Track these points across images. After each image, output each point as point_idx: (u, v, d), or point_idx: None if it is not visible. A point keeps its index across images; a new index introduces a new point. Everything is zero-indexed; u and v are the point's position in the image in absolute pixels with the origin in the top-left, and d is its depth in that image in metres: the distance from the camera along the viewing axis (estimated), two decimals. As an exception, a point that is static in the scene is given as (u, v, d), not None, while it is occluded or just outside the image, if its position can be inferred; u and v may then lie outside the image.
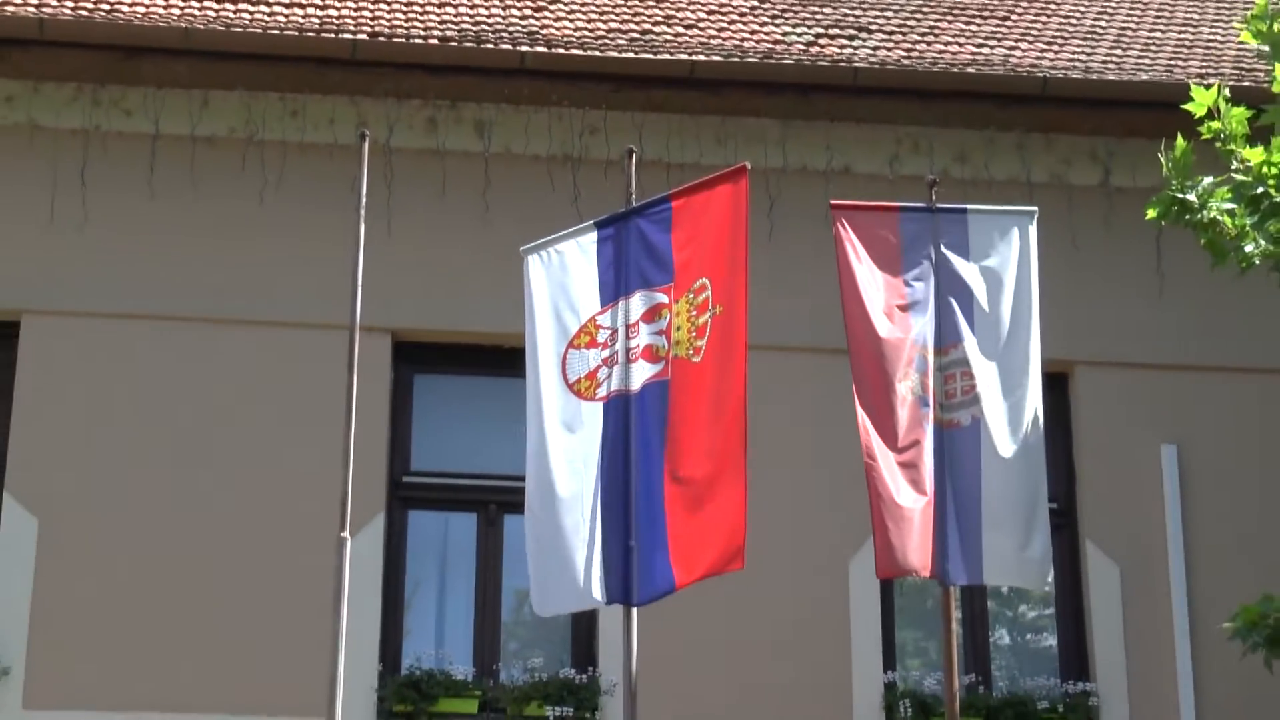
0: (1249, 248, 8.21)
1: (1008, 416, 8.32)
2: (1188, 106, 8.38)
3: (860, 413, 8.06)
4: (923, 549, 7.92)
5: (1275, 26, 8.34)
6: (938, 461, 8.09)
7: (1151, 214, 8.47)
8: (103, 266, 10.68)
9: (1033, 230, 8.55)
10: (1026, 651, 11.00)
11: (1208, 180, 8.27)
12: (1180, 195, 8.28)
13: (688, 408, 7.79)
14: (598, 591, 7.76)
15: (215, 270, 10.72)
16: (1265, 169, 8.22)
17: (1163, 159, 8.35)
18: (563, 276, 8.10)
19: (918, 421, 8.12)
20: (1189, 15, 13.27)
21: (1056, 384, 10.76)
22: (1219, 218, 8.23)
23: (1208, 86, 8.37)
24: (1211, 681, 10.46)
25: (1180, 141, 8.32)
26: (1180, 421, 11.00)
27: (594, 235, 8.15)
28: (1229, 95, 8.38)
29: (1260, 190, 8.21)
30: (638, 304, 7.99)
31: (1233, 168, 8.31)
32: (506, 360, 10.61)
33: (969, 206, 8.75)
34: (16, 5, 10.95)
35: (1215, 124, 8.35)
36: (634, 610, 7.87)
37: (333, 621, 8.04)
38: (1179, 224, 8.41)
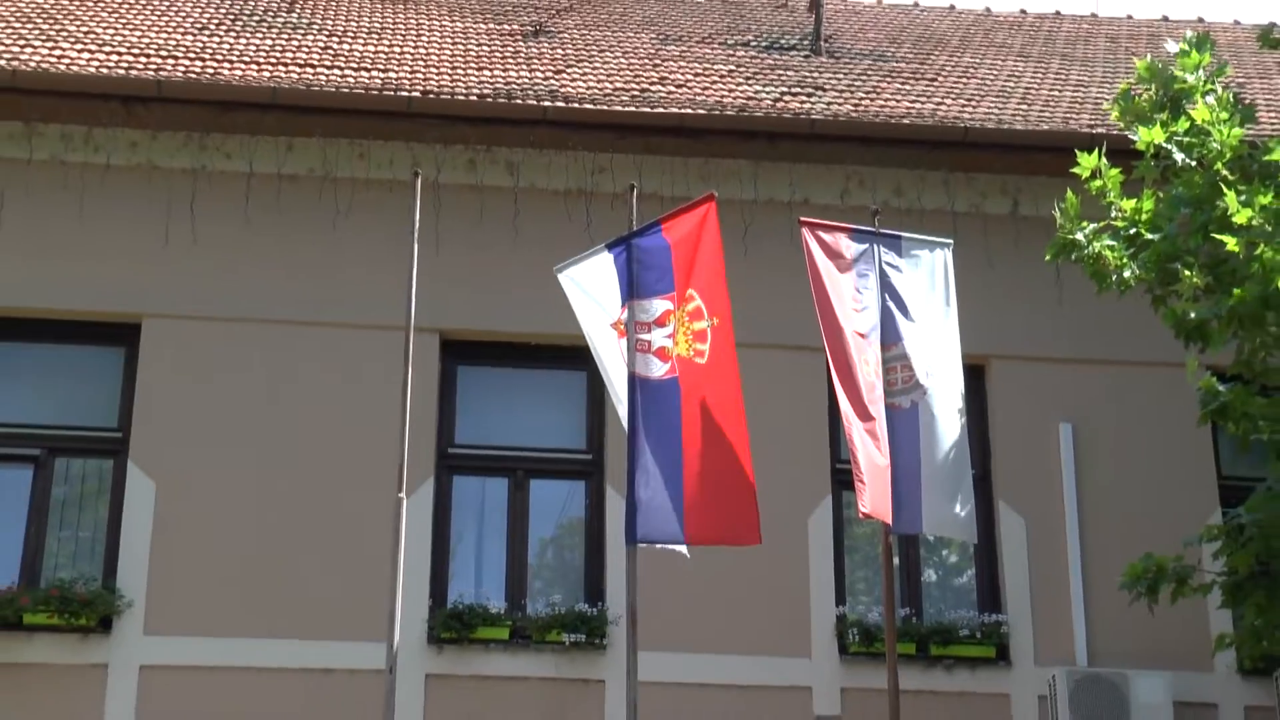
0: (1126, 274, 8.30)
1: (938, 402, 8.36)
2: (1075, 170, 8.52)
3: (837, 386, 8.07)
4: (885, 502, 7.95)
5: (1134, 104, 8.45)
6: (886, 434, 8.11)
7: (1049, 256, 8.61)
8: (207, 279, 10.68)
9: (950, 255, 8.63)
10: (950, 589, 10.98)
11: (1092, 227, 8.36)
12: (1071, 237, 8.40)
13: (697, 400, 7.96)
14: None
15: (297, 282, 10.73)
16: (1138, 214, 8.34)
17: (1057, 212, 8.44)
18: (592, 286, 8.20)
19: (875, 400, 8.15)
20: (1081, 78, 13.29)
21: (975, 374, 10.75)
22: (1103, 253, 8.32)
23: (1090, 151, 8.49)
24: (1098, 611, 10.47)
25: (1070, 196, 8.40)
26: (1075, 404, 11.00)
27: (608, 255, 8.22)
28: (1107, 161, 8.54)
29: (1134, 231, 8.31)
30: (645, 309, 8.08)
31: (1112, 214, 8.43)
32: (533, 354, 10.67)
33: (903, 234, 8.81)
34: (139, 69, 11.00)
35: (1098, 183, 8.47)
36: (637, 558, 7.88)
37: (391, 565, 8.05)
38: (1070, 260, 8.50)
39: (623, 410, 8.03)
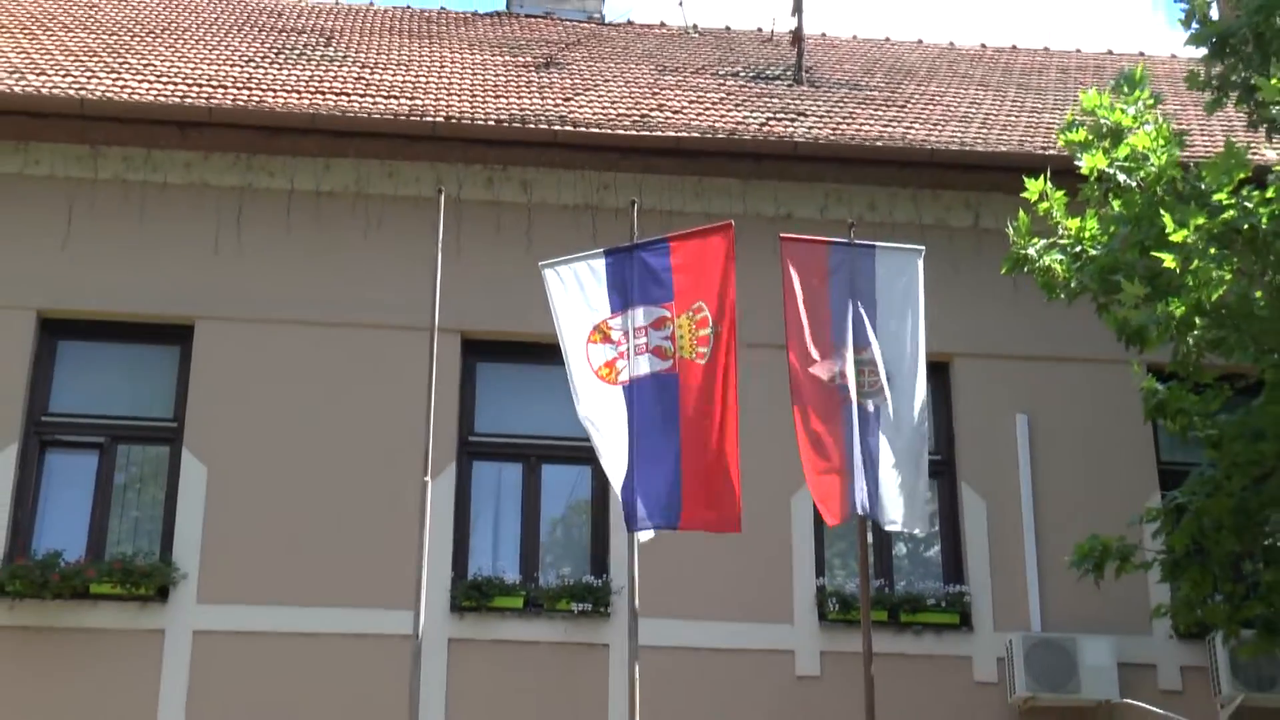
0: (1073, 284, 8.34)
1: (901, 403, 8.26)
2: (1025, 194, 8.57)
3: (794, 404, 8.02)
4: (849, 496, 7.89)
5: (1079, 134, 8.47)
6: (858, 433, 8.02)
7: (1004, 270, 8.64)
8: (253, 284, 10.69)
9: (920, 262, 8.55)
10: (919, 562, 10.95)
11: (1043, 243, 8.36)
12: (1023, 252, 8.45)
13: (696, 396, 7.82)
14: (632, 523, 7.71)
15: (334, 287, 10.73)
16: (1082, 232, 8.38)
17: (1010, 230, 8.47)
18: (578, 287, 8.03)
19: (837, 404, 8.05)
20: (1035, 105, 13.28)
21: (940, 370, 10.74)
22: (1052, 266, 8.36)
23: (1043, 172, 8.53)
24: (1050, 583, 10.41)
25: (1023, 216, 8.43)
26: (1030, 397, 10.98)
27: (603, 260, 8.09)
28: (1052, 185, 8.58)
29: (1079, 248, 8.34)
30: (643, 314, 7.96)
31: (1059, 233, 8.45)
32: (545, 352, 10.55)
33: (877, 244, 8.74)
34: (193, 98, 11.00)
35: (1045, 204, 8.51)
36: (636, 535, 7.84)
37: (418, 541, 8.05)
38: (1023, 273, 8.53)
39: (579, 404, 7.80)
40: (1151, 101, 8.61)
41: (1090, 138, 8.47)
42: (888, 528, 8.17)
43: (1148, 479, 10.76)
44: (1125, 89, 8.55)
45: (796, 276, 8.25)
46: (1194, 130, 12.02)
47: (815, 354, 8.09)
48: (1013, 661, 10.08)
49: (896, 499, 8.06)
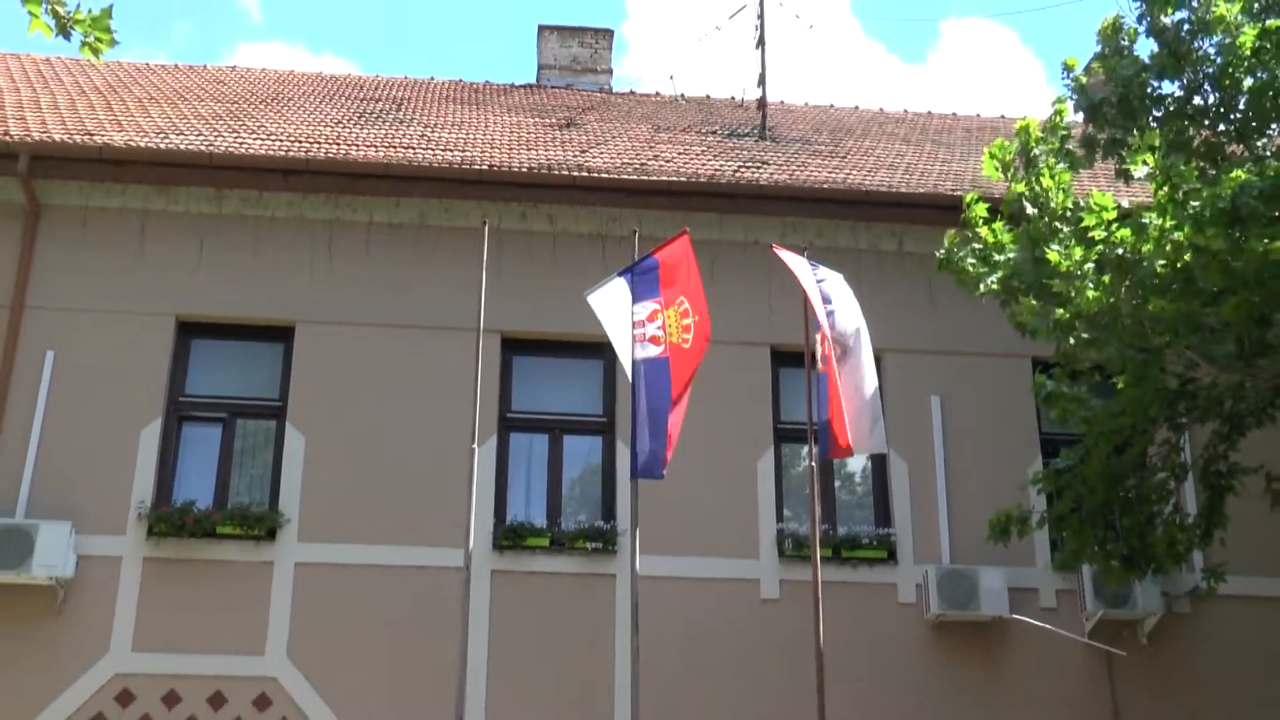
0: (981, 287, 8.34)
1: (858, 371, 8.34)
2: (963, 210, 8.56)
3: (819, 350, 8.26)
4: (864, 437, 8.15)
5: (1001, 154, 8.46)
6: (823, 392, 8.07)
7: (937, 269, 8.64)
8: (341, 295, 10.63)
9: (843, 279, 8.67)
10: (856, 509, 10.89)
11: (960, 253, 8.34)
12: (945, 258, 8.46)
13: (683, 371, 7.86)
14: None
15: (404, 296, 10.67)
16: (993, 240, 8.38)
17: (939, 249, 8.50)
18: (612, 303, 8.13)
19: (827, 368, 8.17)
20: (945, 157, 13.23)
21: (874, 362, 10.65)
22: (968, 267, 8.37)
23: (948, 213, 8.67)
24: (957, 527, 10.36)
25: (952, 232, 8.54)
26: (943, 382, 10.91)
27: (621, 280, 8.21)
28: (984, 204, 8.60)
29: (986, 252, 8.33)
30: (644, 310, 8.02)
31: (974, 240, 8.45)
32: (566, 348, 10.61)
33: (821, 266, 8.76)
34: (294, 151, 10.97)
35: (967, 214, 8.51)
36: (638, 490, 7.83)
37: (467, 494, 8.00)
38: (947, 271, 8.51)
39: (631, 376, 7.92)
40: (1059, 149, 8.61)
41: (1008, 161, 8.47)
42: (857, 453, 8.32)
43: (1031, 446, 10.70)
44: (1051, 128, 8.56)
45: (800, 277, 8.39)
46: (1081, 177, 11.97)
47: (818, 332, 8.23)
48: (928, 587, 10.03)
49: (862, 433, 8.16)
